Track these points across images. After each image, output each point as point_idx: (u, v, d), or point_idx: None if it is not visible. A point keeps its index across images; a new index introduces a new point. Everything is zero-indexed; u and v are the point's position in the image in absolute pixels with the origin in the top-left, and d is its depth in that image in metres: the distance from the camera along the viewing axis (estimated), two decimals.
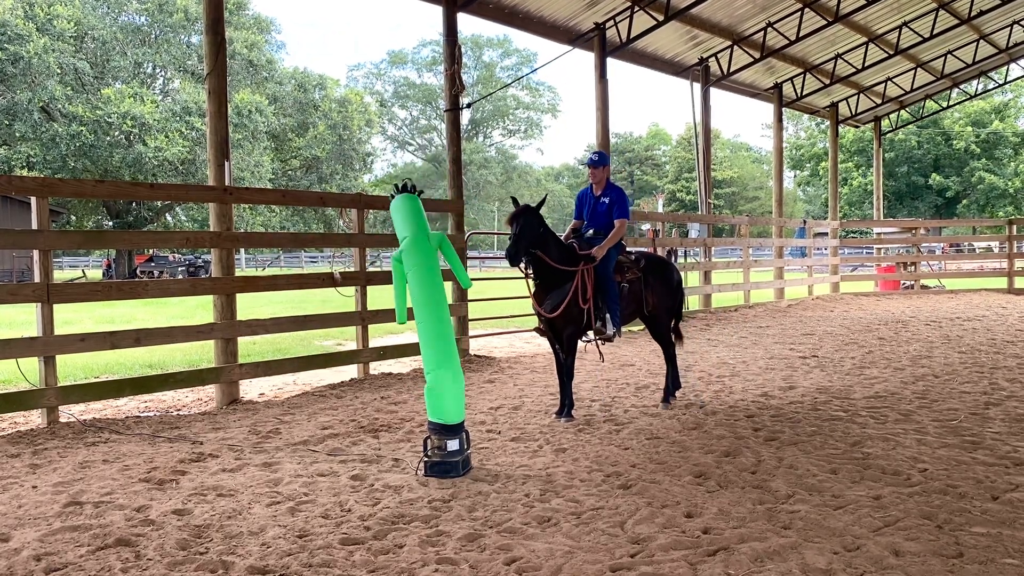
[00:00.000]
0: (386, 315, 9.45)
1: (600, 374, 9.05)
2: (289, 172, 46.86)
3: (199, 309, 15.34)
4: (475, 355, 10.56)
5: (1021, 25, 19.14)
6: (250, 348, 10.90)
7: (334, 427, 6.53)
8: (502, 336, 12.48)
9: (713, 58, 16.11)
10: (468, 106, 11.56)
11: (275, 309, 14.61)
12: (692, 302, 15.76)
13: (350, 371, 9.33)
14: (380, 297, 11.35)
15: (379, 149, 71.10)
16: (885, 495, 4.44)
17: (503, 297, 12.71)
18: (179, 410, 7.75)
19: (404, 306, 5.63)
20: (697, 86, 16.17)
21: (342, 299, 9.05)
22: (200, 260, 38.26)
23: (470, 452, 5.24)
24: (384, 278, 9.25)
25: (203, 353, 10.60)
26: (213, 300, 7.90)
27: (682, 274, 8.75)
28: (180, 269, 38.09)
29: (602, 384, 8.37)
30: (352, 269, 9.15)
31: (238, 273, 8.61)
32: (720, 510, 4.26)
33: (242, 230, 39.58)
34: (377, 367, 9.70)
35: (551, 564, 3.57)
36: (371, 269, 9.52)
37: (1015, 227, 20.22)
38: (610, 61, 13.67)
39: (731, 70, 16.40)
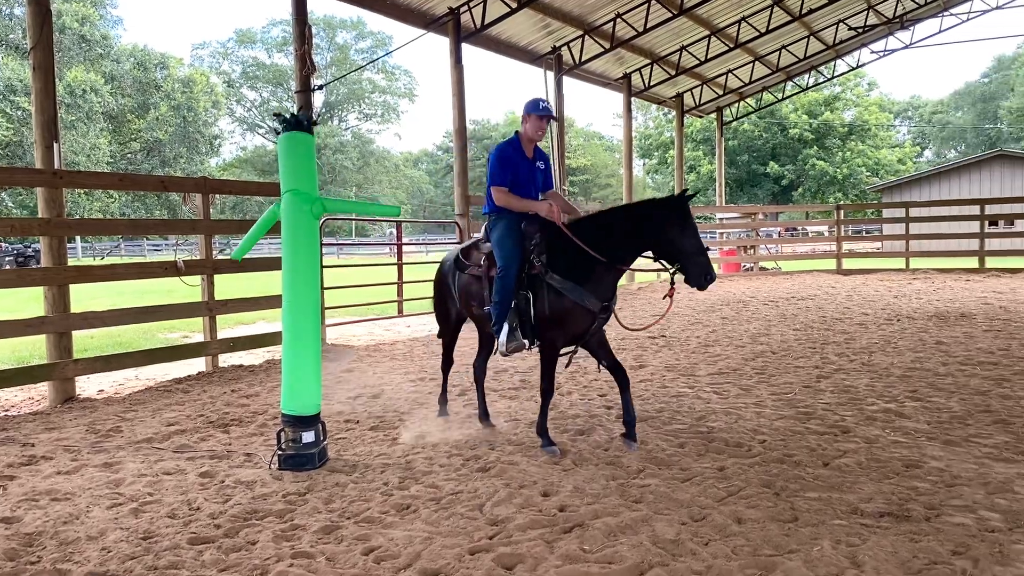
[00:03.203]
0: (236, 305, 9.10)
1: (459, 360, 9.06)
2: (129, 155, 44.23)
3: (31, 302, 14.24)
4: (333, 344, 10.35)
5: (845, 24, 20.59)
6: (87, 342, 10.23)
7: (181, 423, 6.23)
8: (361, 324, 12.29)
9: (566, 47, 16.41)
10: (320, 88, 11.26)
11: (115, 300, 13.76)
12: None
13: (198, 364, 8.93)
14: (228, 286, 10.93)
15: (227, 132, 68.23)
16: (728, 466, 4.68)
17: (362, 284, 12.51)
18: (7, 411, 7.17)
19: (249, 246, 5.59)
20: (551, 74, 16.43)
21: (187, 289, 8.64)
22: (31, 249, 35.49)
23: (327, 443, 5.13)
24: (232, 267, 8.91)
25: (34, 349, 9.86)
26: (43, 292, 7.34)
27: None
28: (7, 259, 35.20)
29: (462, 370, 8.39)
30: (198, 257, 8.73)
31: (73, 262, 8.04)
32: (575, 487, 4.37)
33: (77, 216, 37.02)
34: (227, 359, 9.34)
35: (410, 551, 3.56)
36: (219, 257, 9.12)
37: (842, 212, 21.81)
38: (466, 47, 13.66)
39: (583, 59, 16.75)
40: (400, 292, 12.23)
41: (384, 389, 7.41)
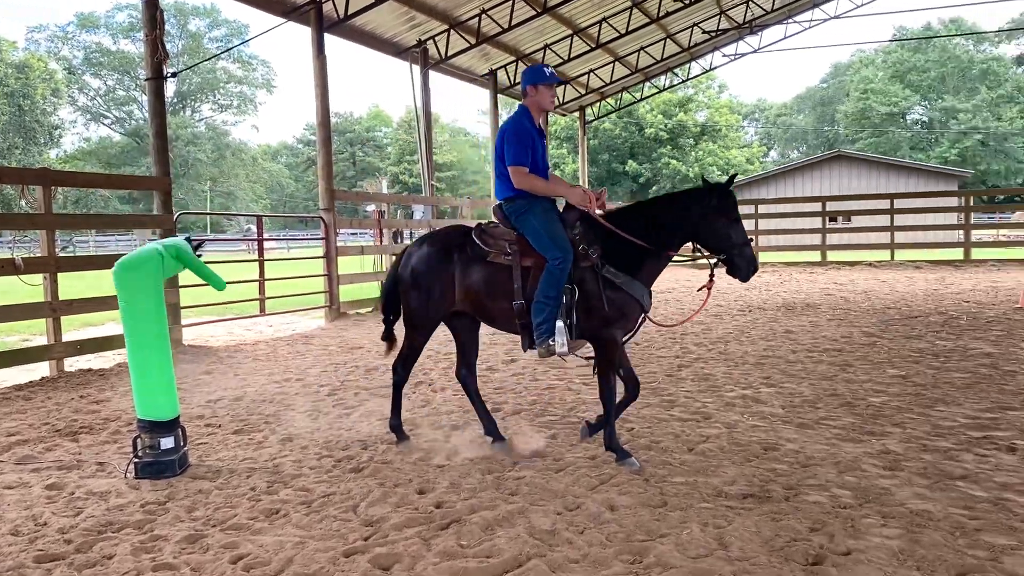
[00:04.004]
0: (82, 305, 8.51)
1: (327, 358, 8.86)
2: None
3: None
4: (190, 345, 9.86)
5: (700, 27, 21.49)
6: None
7: (23, 432, 5.76)
8: (221, 324, 11.77)
9: (431, 41, 16.30)
10: (173, 75, 10.69)
11: None
12: None
13: (41, 369, 8.31)
14: (73, 285, 10.23)
15: (68, 122, 63.92)
16: (599, 455, 4.78)
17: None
18: None
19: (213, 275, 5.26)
20: (416, 68, 16.29)
21: (28, 288, 8.01)
22: None
23: (187, 449, 4.88)
24: (77, 264, 8.34)
25: None
26: None
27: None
28: None
29: (330, 368, 8.20)
30: (39, 254, 8.11)
31: None
32: (451, 483, 4.34)
33: None
34: (74, 363, 8.73)
35: (281, 557, 3.42)
36: (62, 254, 8.50)
37: None
38: (329, 38, 13.32)
39: (448, 54, 16.69)
40: (262, 290, 11.80)
41: (247, 391, 7.13)
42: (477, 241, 4.91)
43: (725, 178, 4.76)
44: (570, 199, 4.86)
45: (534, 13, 16.46)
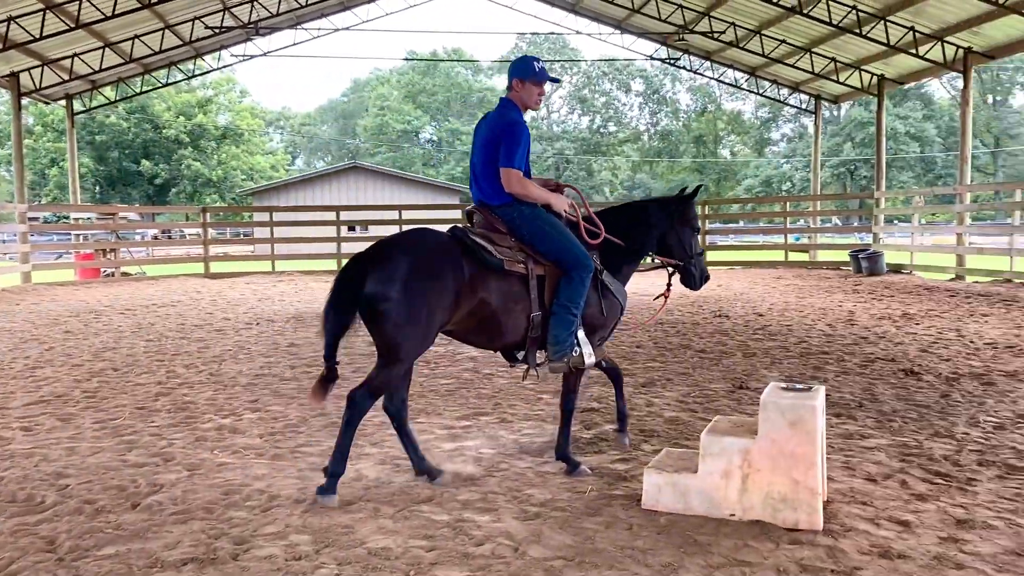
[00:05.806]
0: None
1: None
2: None
3: None
4: None
5: (203, 22, 20.15)
6: None
7: None
8: None
9: None
10: None
11: None
12: None
13: None
14: None
15: None
16: (7, 529, 3.65)
17: None
18: None
19: None
20: None
21: None
22: None
23: None
24: None
25: None
26: None
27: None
28: None
29: None
30: None
31: None
32: None
33: None
34: None
35: None
36: None
37: (208, 214, 21.42)
38: None
39: None
40: None
41: None
42: (488, 247, 4.26)
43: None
44: (555, 206, 4.52)
45: None
